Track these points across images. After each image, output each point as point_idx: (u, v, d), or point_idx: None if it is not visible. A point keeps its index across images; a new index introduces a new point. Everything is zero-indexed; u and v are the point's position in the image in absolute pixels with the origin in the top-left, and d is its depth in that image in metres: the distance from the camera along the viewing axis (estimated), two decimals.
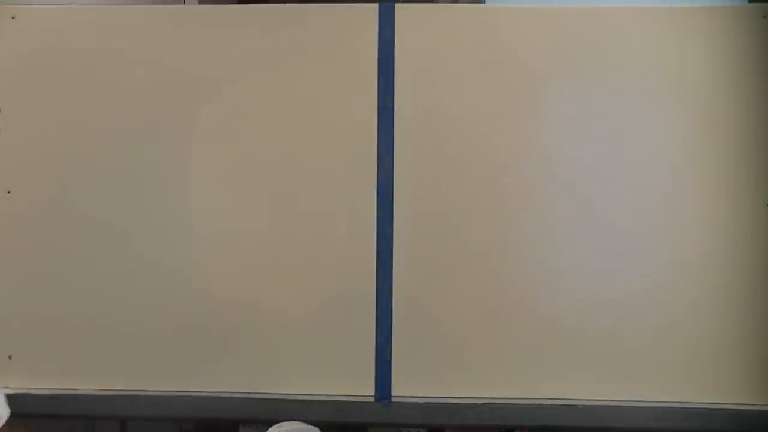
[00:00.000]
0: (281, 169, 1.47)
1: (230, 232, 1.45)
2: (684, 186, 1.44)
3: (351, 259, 1.44)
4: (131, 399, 1.42)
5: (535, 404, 1.39)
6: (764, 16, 1.46)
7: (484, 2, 1.87)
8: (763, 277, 1.40)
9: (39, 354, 1.45)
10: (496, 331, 1.42)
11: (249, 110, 1.50)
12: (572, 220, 1.44)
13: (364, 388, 1.41)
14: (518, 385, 1.41)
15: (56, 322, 1.44)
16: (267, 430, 0.77)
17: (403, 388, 1.41)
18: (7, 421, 0.67)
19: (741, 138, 1.43)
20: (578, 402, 1.39)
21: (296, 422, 0.78)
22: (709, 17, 1.47)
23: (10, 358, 1.45)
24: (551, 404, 1.39)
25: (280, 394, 1.39)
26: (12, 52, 1.53)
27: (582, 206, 1.44)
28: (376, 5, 1.50)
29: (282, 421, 1.33)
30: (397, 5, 1.50)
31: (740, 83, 1.44)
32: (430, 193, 1.46)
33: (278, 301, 1.43)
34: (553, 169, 1.46)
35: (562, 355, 1.41)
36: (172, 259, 1.45)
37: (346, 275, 1.44)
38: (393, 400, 1.41)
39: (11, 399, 0.97)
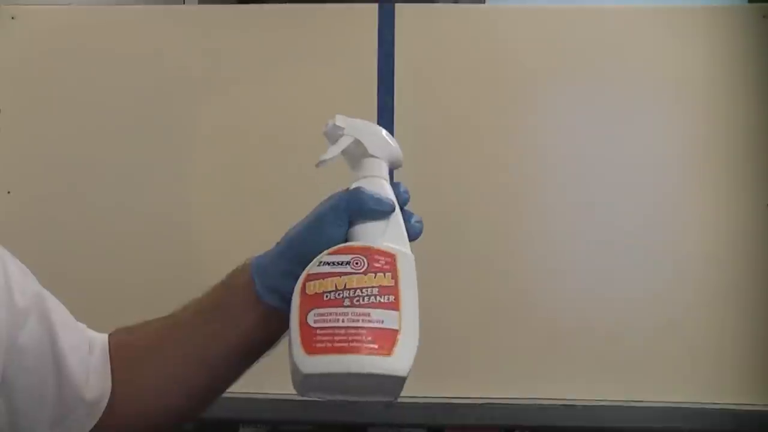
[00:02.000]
0: (281, 168, 1.47)
1: (230, 231, 1.45)
2: (684, 186, 1.44)
3: None
4: None
5: (535, 404, 1.39)
6: (764, 16, 1.46)
7: (484, 2, 1.87)
8: (763, 277, 1.40)
9: None
10: (496, 331, 1.42)
11: (248, 110, 1.50)
12: (572, 219, 1.44)
13: None
14: (518, 385, 1.41)
15: None
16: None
17: (403, 388, 1.41)
18: None
19: (741, 138, 1.43)
20: (578, 402, 1.39)
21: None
22: (709, 17, 1.47)
23: None
24: (551, 404, 1.39)
25: (280, 394, 1.39)
26: (12, 52, 1.53)
27: (582, 206, 1.44)
28: (376, 5, 1.50)
29: (282, 421, 1.33)
30: (397, 5, 1.50)
31: (740, 83, 1.44)
32: (430, 193, 1.46)
33: None
34: (553, 169, 1.46)
35: (562, 355, 1.41)
36: (173, 259, 1.45)
37: None
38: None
39: None
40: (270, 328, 0.59)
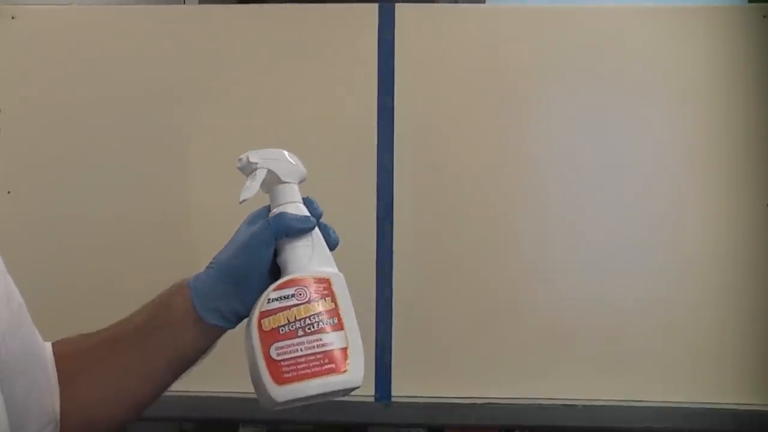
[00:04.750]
0: None
1: (230, 232, 1.45)
2: (684, 186, 1.44)
3: (350, 259, 1.43)
4: None
5: (535, 404, 1.39)
6: (764, 16, 1.46)
7: (485, 2, 1.87)
8: (763, 277, 1.40)
9: None
10: (496, 331, 1.42)
11: (249, 110, 1.50)
12: (572, 219, 1.44)
13: (364, 388, 1.39)
14: (518, 385, 1.41)
15: (56, 322, 1.44)
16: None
17: (403, 388, 1.41)
18: None
19: (741, 138, 1.43)
20: (578, 402, 1.39)
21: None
22: (709, 17, 1.47)
23: None
24: (551, 404, 1.39)
25: None
26: (12, 52, 1.53)
27: (582, 206, 1.44)
28: (376, 5, 1.50)
29: (282, 421, 1.32)
30: (397, 5, 1.50)
31: (740, 83, 1.44)
32: (431, 193, 1.46)
33: None
34: (553, 169, 1.46)
35: (562, 355, 1.41)
36: (173, 260, 1.45)
37: (345, 275, 1.43)
38: (393, 400, 1.41)
39: None
40: (208, 339, 0.65)
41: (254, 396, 0.65)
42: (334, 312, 0.62)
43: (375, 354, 1.40)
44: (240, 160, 0.68)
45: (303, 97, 1.49)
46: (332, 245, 0.67)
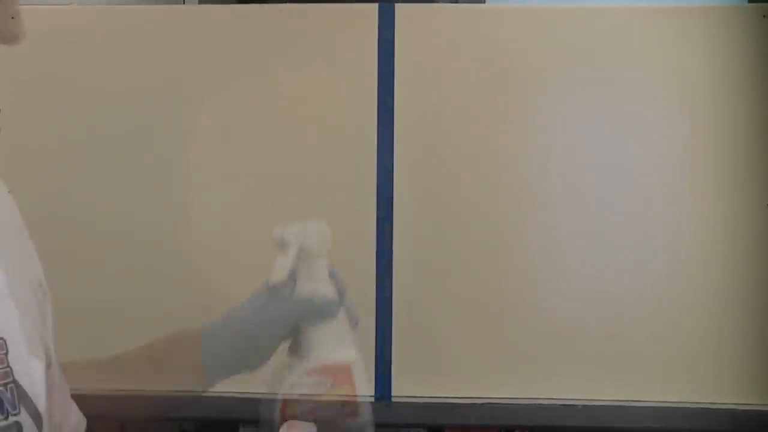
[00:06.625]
0: (280, 169, 1.47)
1: (229, 232, 1.45)
2: (684, 186, 1.44)
3: (350, 259, 1.43)
4: (131, 399, 1.42)
5: (535, 404, 1.39)
6: (764, 16, 1.46)
7: (485, 2, 1.87)
8: (763, 277, 1.40)
9: None
10: (496, 331, 1.42)
11: (248, 110, 1.50)
12: (572, 219, 1.44)
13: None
14: (518, 385, 1.41)
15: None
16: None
17: (403, 388, 1.41)
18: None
19: (741, 138, 1.43)
20: (578, 402, 1.39)
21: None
22: (709, 17, 1.47)
23: None
24: (551, 404, 1.39)
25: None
26: (12, 52, 1.52)
27: (582, 206, 1.44)
28: (376, 5, 1.50)
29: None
30: (397, 5, 1.50)
31: (740, 83, 1.44)
32: (430, 193, 1.46)
33: None
34: (553, 169, 1.46)
35: (562, 355, 1.41)
36: (172, 260, 1.45)
37: (345, 275, 1.43)
38: (393, 400, 1.41)
39: None
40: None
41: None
42: (352, 401, 0.66)
43: (375, 354, 1.40)
44: (276, 234, 0.70)
45: (303, 97, 1.49)
46: (353, 324, 0.69)
